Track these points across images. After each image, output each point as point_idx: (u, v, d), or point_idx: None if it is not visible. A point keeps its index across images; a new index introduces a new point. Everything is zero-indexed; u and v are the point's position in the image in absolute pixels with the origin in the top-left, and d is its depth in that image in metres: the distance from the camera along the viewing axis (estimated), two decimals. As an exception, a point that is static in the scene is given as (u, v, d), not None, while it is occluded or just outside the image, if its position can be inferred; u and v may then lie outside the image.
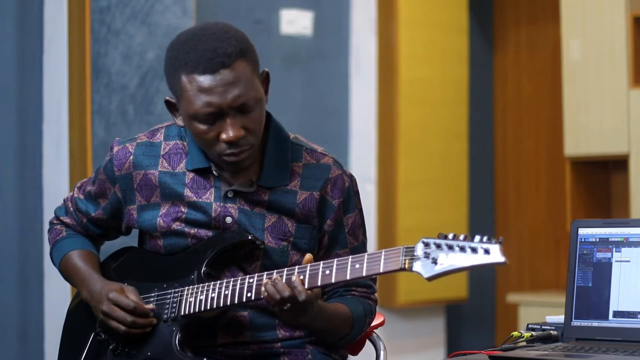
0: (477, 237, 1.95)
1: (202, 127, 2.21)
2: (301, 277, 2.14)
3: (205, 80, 2.18)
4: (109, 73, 4.04)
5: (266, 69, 2.30)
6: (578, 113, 4.80)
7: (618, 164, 4.96)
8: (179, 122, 2.30)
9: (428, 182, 5.11)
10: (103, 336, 2.35)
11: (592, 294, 2.37)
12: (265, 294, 2.15)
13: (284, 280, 2.14)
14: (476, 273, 5.30)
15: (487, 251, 1.94)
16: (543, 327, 2.43)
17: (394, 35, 5.00)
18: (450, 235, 1.98)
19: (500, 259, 1.93)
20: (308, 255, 2.19)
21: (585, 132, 4.77)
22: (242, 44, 2.22)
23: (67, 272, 2.45)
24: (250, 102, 2.20)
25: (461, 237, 1.97)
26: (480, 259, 1.94)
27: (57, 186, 3.96)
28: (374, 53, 5.04)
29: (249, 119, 2.21)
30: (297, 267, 2.17)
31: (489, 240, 1.95)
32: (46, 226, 3.92)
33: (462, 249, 1.96)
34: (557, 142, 5.23)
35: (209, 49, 2.18)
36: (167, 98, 2.30)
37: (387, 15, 5.02)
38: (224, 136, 2.20)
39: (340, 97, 4.98)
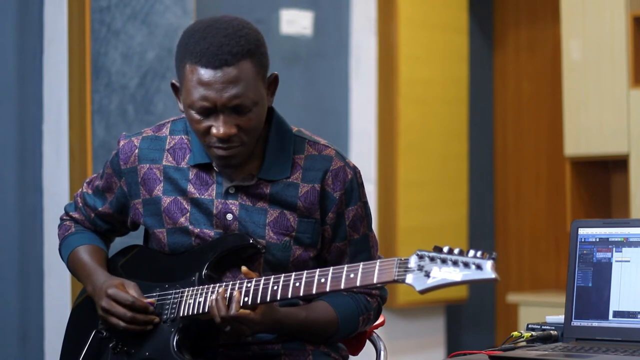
0: (472, 252, 1.95)
1: (197, 116, 2.22)
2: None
3: (206, 74, 2.18)
4: (109, 73, 4.04)
5: (275, 72, 2.30)
6: (578, 113, 4.80)
7: (618, 164, 4.96)
8: (181, 106, 2.31)
9: (428, 182, 5.11)
10: (104, 334, 2.35)
11: (592, 294, 2.37)
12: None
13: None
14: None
15: (479, 267, 1.94)
16: (543, 327, 2.43)
17: (394, 35, 5.00)
18: (446, 249, 1.98)
19: (491, 275, 1.93)
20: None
21: (585, 132, 4.77)
22: (252, 45, 2.23)
23: (74, 267, 2.46)
24: (247, 103, 2.20)
25: (456, 251, 1.97)
26: (471, 274, 1.94)
27: (57, 186, 3.96)
28: (374, 53, 5.04)
29: (244, 119, 2.21)
30: (293, 274, 2.17)
31: (482, 256, 1.95)
32: (46, 226, 3.95)
33: (455, 263, 1.96)
34: (557, 142, 5.23)
35: (216, 43, 2.20)
36: (173, 81, 2.31)
37: (387, 15, 5.02)
38: (214, 131, 2.20)
39: (340, 97, 4.98)
